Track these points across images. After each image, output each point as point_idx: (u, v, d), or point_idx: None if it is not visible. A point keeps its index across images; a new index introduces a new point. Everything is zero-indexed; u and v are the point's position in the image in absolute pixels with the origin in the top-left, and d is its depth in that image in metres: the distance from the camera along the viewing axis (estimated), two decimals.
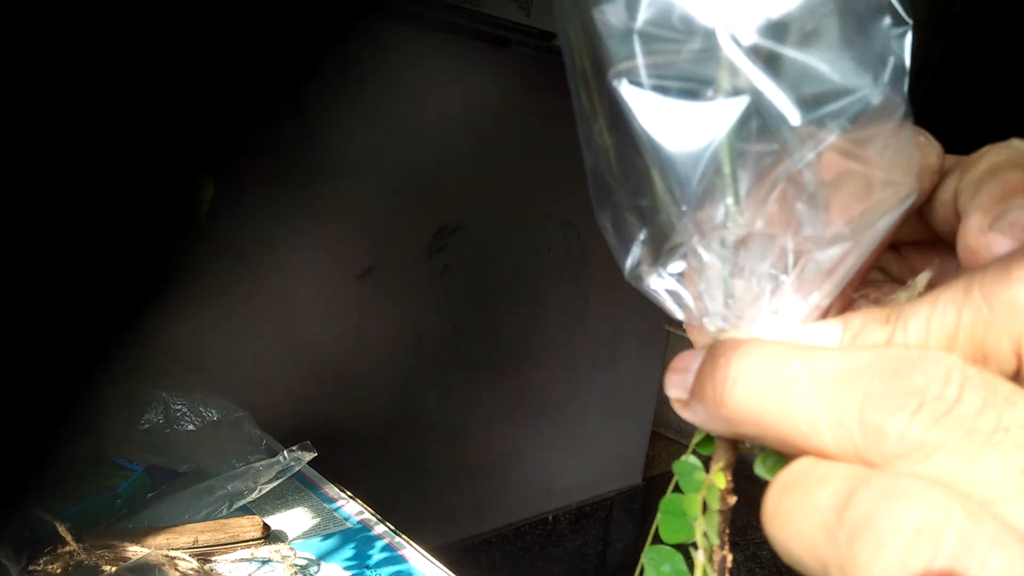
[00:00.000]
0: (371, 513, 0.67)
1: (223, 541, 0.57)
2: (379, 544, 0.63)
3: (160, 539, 0.54)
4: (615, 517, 1.74)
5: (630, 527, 1.79)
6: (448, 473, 1.42)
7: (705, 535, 0.20)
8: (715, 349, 0.18)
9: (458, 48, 1.21)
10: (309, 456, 0.65)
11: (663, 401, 1.86)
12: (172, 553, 0.53)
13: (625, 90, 0.18)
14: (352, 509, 0.67)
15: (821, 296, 0.19)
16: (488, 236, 1.38)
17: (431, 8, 1.14)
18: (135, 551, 0.51)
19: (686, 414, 0.19)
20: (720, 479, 0.20)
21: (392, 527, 0.66)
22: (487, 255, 1.39)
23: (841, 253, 0.18)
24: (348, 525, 0.65)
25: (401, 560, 0.62)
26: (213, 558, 0.56)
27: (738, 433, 0.18)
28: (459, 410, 1.42)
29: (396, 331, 1.30)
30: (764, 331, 0.19)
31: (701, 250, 0.19)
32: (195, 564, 0.53)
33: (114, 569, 0.49)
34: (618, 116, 0.18)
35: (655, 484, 1.97)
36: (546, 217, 1.46)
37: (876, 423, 0.14)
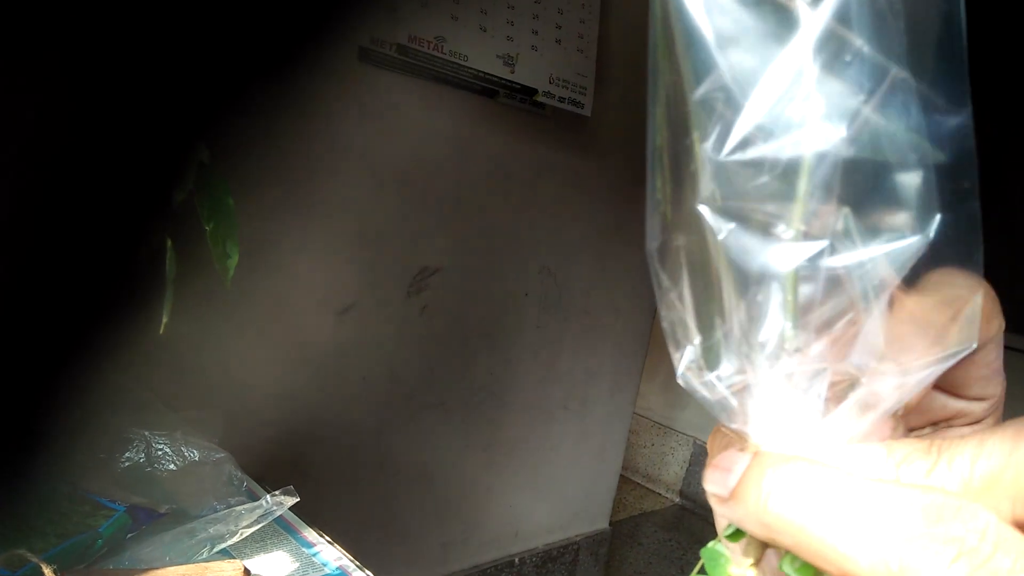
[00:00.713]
0: (350, 559, 0.68)
1: None
2: None
3: None
4: (581, 561, 1.74)
5: (595, 572, 1.80)
6: (417, 513, 1.42)
7: None
8: (764, 458, 0.19)
9: (446, 97, 1.25)
10: (291, 501, 0.65)
11: (631, 445, 1.88)
12: None
13: (705, 212, 0.19)
14: (331, 555, 0.68)
15: (866, 425, 0.20)
16: (467, 279, 1.40)
17: (420, 59, 1.18)
18: None
19: (722, 510, 0.20)
20: (752, 572, 0.21)
21: (371, 574, 0.67)
22: (465, 297, 1.41)
23: (894, 388, 0.20)
24: (326, 571, 0.66)
25: None
26: None
27: (773, 540, 0.19)
28: (430, 449, 1.42)
29: (373, 369, 1.31)
30: (808, 449, 0.20)
31: (755, 366, 0.20)
32: None
33: None
34: (691, 221, 0.20)
35: (621, 528, 1.99)
36: (525, 263, 1.49)
37: (916, 566, 0.15)
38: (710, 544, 0.23)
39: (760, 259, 0.19)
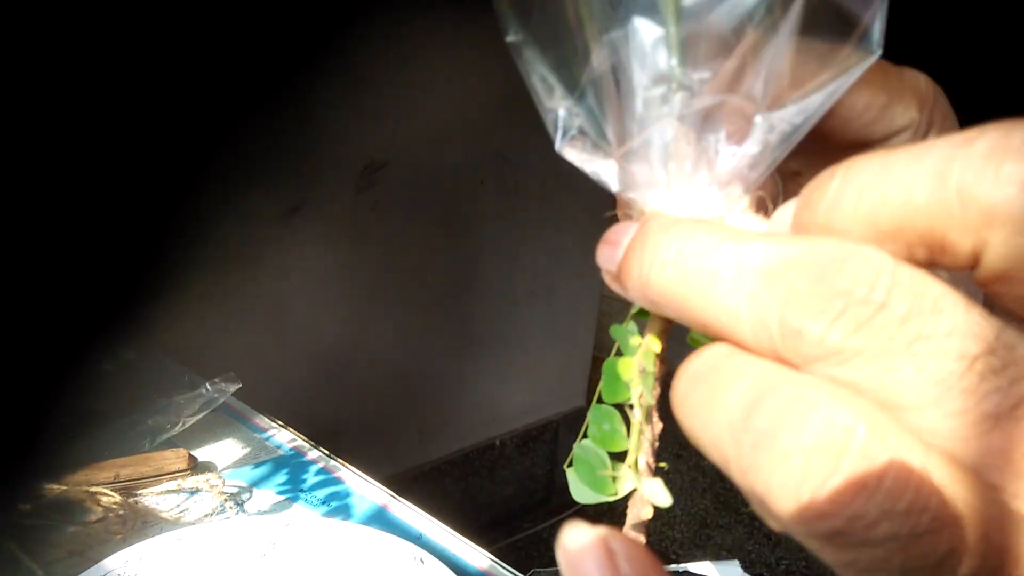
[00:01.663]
0: (304, 440, 0.67)
1: (147, 474, 0.56)
2: (313, 468, 0.63)
3: (79, 476, 0.53)
4: (561, 438, 1.78)
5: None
6: (392, 407, 1.43)
7: (641, 396, 0.20)
8: (645, 227, 0.17)
9: None
10: (233, 387, 0.64)
11: (603, 327, 1.89)
12: (93, 488, 0.52)
13: None
14: (284, 437, 0.67)
15: (762, 169, 0.18)
16: (419, 170, 1.36)
17: None
18: (52, 488, 0.50)
19: (615, 287, 0.18)
20: (655, 343, 0.19)
21: (326, 452, 0.66)
22: (419, 189, 1.37)
23: (793, 116, 0.17)
24: (280, 452, 0.65)
25: (337, 481, 0.62)
26: (137, 492, 0.56)
27: (659, 312, 0.18)
28: (400, 345, 1.42)
29: (329, 270, 1.28)
30: (702, 206, 0.18)
31: (638, 118, 0.18)
32: (118, 498, 0.52)
33: (30, 506, 0.48)
34: None
35: None
36: (478, 149, 1.44)
37: (796, 325, 0.14)
38: (621, 324, 0.21)
39: None
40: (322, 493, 0.60)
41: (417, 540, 0.55)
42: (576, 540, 0.16)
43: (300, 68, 1.15)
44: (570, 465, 0.23)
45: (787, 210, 0.17)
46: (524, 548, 1.65)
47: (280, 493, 0.60)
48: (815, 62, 0.17)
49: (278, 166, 1.17)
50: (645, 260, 0.16)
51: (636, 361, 0.21)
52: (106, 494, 0.52)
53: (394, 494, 0.61)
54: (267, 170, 1.16)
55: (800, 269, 0.14)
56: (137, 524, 0.53)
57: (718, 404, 0.14)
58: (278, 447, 0.66)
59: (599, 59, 0.18)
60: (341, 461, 0.65)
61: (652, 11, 0.17)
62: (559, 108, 0.20)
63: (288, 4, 1.10)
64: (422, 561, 0.49)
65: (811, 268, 0.14)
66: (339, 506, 0.59)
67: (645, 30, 0.17)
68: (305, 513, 0.57)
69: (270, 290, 1.21)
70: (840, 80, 0.17)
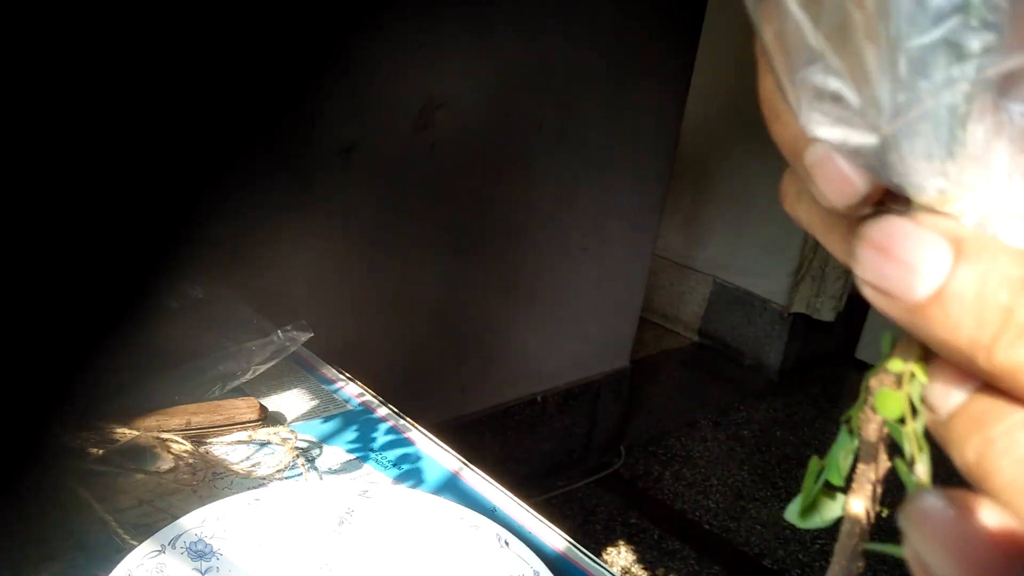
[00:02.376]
0: (372, 395, 0.64)
1: (218, 423, 0.53)
2: (383, 427, 0.61)
3: (150, 421, 0.51)
4: (602, 398, 1.75)
5: (616, 408, 1.82)
6: (438, 354, 1.41)
7: (913, 437, 0.15)
8: (974, 262, 0.12)
9: None
10: (305, 336, 0.61)
11: (650, 286, 1.85)
12: (164, 435, 0.50)
13: None
14: (352, 391, 0.64)
15: None
16: (477, 112, 1.30)
17: None
18: (123, 432, 0.47)
19: (904, 317, 0.13)
20: (921, 373, 0.15)
21: (395, 409, 0.63)
22: (476, 132, 1.31)
23: None
24: (349, 407, 0.62)
25: (407, 443, 0.59)
26: (208, 441, 0.53)
27: (999, 386, 0.13)
28: (449, 292, 1.38)
29: (383, 212, 1.25)
30: (1006, 204, 0.13)
31: (916, 84, 0.13)
32: (189, 447, 0.50)
33: (101, 452, 0.46)
34: None
35: (641, 366, 2.00)
36: (538, 93, 1.38)
37: None
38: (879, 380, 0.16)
39: None
40: (392, 454, 0.58)
41: (491, 514, 0.52)
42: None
43: (360, 5, 1.09)
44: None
45: None
46: (558, 506, 1.64)
47: (350, 451, 0.57)
48: None
49: (335, 105, 1.12)
50: (987, 324, 0.12)
51: (905, 395, 0.16)
52: (177, 441, 0.50)
53: (464, 460, 0.58)
54: (323, 109, 1.12)
55: None
56: (208, 475, 0.50)
57: None
58: (346, 401, 0.63)
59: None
60: (410, 421, 0.62)
61: None
62: (810, 65, 0.14)
63: None
64: (506, 543, 0.46)
65: None
66: (410, 470, 0.57)
67: None
68: (376, 476, 0.55)
69: (325, 231, 1.17)
70: None
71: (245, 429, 0.54)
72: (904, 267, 0.13)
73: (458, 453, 0.58)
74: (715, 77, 1.99)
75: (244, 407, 0.54)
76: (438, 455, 0.58)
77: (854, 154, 0.15)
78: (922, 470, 0.16)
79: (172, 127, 0.92)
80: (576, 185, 1.51)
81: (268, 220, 1.07)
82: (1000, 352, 0.12)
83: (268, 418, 0.56)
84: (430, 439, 0.60)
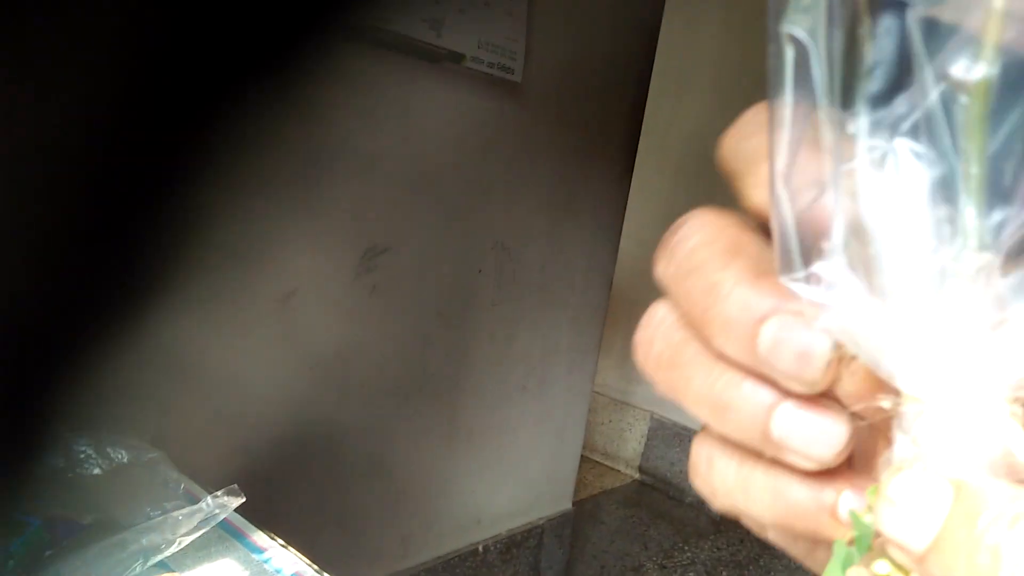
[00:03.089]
0: (307, 563, 0.60)
1: None
2: None
3: None
4: (545, 544, 1.70)
5: (560, 554, 1.76)
6: (374, 505, 1.35)
7: None
8: (972, 509, 0.13)
9: (386, 65, 1.17)
10: (236, 502, 0.58)
11: (589, 423, 1.84)
12: None
13: None
14: (284, 560, 0.61)
15: None
16: (418, 257, 1.33)
17: (360, 29, 1.09)
18: None
19: (909, 563, 0.14)
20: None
21: None
22: (417, 276, 1.34)
23: None
24: None
25: None
26: None
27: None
28: (386, 439, 1.35)
29: (320, 356, 1.23)
30: (979, 387, 0.14)
31: (907, 292, 0.14)
32: None
33: None
34: None
35: (583, 508, 1.95)
36: (478, 239, 1.42)
37: None
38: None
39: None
40: None
41: None
42: None
43: (304, 148, 1.13)
44: None
45: None
46: None
47: None
48: None
49: (277, 248, 1.13)
50: (982, 569, 0.12)
51: None
52: None
53: None
54: (265, 251, 1.13)
55: None
56: None
57: None
58: (277, 572, 0.59)
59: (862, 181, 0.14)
60: None
61: (935, 132, 0.13)
62: (821, 257, 0.15)
63: (282, 84, 1.10)
64: None
65: None
66: None
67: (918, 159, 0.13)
68: None
69: (252, 374, 1.15)
70: None
71: None
72: (915, 518, 0.14)
73: None
74: (646, 217, 2.10)
75: None
76: None
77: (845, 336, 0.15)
78: None
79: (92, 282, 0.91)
80: (516, 326, 1.54)
81: (198, 368, 1.05)
82: None
83: None
84: None
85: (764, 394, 0.16)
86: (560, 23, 1.42)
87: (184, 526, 0.55)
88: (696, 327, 0.17)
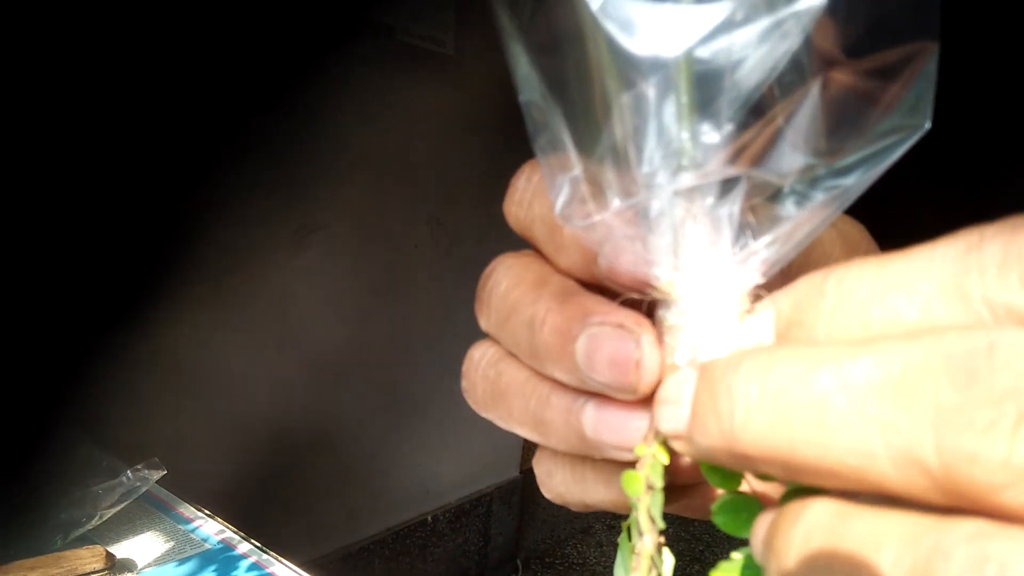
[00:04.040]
0: (233, 531, 0.62)
1: None
2: (244, 563, 0.58)
3: None
4: (494, 512, 1.73)
5: (509, 520, 1.80)
6: (320, 482, 1.36)
7: (651, 518, 0.17)
8: (710, 371, 0.14)
9: (312, 39, 1.16)
10: (157, 475, 0.59)
11: None
12: None
13: None
14: (211, 528, 0.62)
15: (785, 251, 0.16)
16: (352, 235, 1.33)
17: None
18: None
19: (687, 450, 0.15)
20: (662, 452, 0.17)
21: (258, 544, 0.61)
22: (352, 253, 1.34)
23: (829, 195, 0.16)
24: (207, 546, 0.60)
25: None
26: None
27: (757, 470, 0.14)
28: (328, 415, 1.36)
29: (259, 334, 1.23)
30: (720, 284, 0.16)
31: (647, 191, 0.16)
32: None
33: None
34: (561, 20, 0.15)
35: (531, 475, 1.99)
36: (412, 214, 1.43)
37: (968, 449, 0.10)
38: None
39: (643, 38, 0.14)
40: None
41: None
42: None
43: (237, 130, 1.12)
44: None
45: (760, 321, 0.16)
46: None
47: None
48: (854, 130, 0.15)
49: (210, 228, 1.13)
50: (723, 410, 0.13)
51: (643, 474, 0.18)
52: None
53: None
54: (199, 230, 1.12)
55: (939, 375, 0.11)
56: None
57: None
58: (204, 540, 0.60)
59: (616, 123, 0.16)
60: (275, 555, 0.60)
61: (667, 72, 0.15)
62: (568, 172, 0.17)
63: (231, 70, 1.08)
64: None
65: (951, 372, 0.11)
66: None
67: (659, 91, 0.15)
68: None
69: (195, 358, 1.14)
70: (885, 149, 0.15)
71: None
72: (678, 404, 0.15)
73: None
74: None
75: (88, 556, 0.52)
76: None
77: (599, 247, 0.18)
78: (649, 541, 0.18)
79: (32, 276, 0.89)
80: (456, 300, 1.55)
81: (136, 351, 1.04)
82: (740, 430, 0.14)
83: (116, 566, 0.53)
84: (296, 572, 0.58)
85: (568, 401, 0.18)
86: None
87: (105, 500, 0.56)
88: (527, 361, 0.19)
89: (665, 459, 0.18)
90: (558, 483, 0.21)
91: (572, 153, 0.17)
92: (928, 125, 0.15)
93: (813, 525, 0.13)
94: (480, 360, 0.21)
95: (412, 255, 1.46)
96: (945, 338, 0.11)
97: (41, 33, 0.85)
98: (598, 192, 0.17)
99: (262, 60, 1.12)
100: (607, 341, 0.17)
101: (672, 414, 0.16)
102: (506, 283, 0.19)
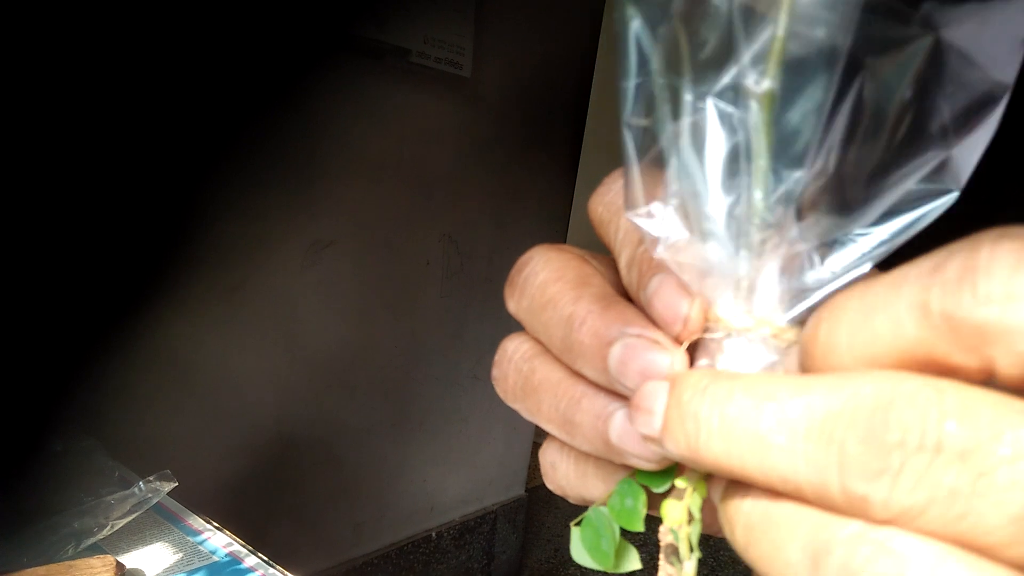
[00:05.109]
0: (241, 544, 0.62)
1: None
2: None
3: None
4: (499, 530, 1.73)
5: (513, 539, 1.79)
6: (326, 495, 1.37)
7: (691, 546, 0.19)
8: (678, 392, 0.16)
9: (329, 61, 1.18)
10: (169, 486, 0.60)
11: None
12: None
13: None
14: (219, 541, 0.63)
15: (814, 299, 0.18)
16: (364, 251, 1.34)
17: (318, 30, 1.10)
18: None
19: (657, 449, 0.18)
20: (702, 488, 0.19)
21: (265, 558, 0.62)
22: (364, 269, 1.35)
23: (869, 245, 0.17)
24: (215, 559, 0.60)
25: None
26: None
27: (716, 473, 0.17)
28: (337, 430, 1.37)
29: (269, 348, 1.24)
30: (763, 321, 0.18)
31: (710, 238, 0.18)
32: None
33: None
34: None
35: (537, 494, 1.99)
36: (425, 231, 1.44)
37: (859, 492, 0.13)
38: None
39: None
40: None
41: None
42: None
43: (248, 135, 1.14)
44: (578, 524, 0.22)
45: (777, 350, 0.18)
46: None
47: None
48: (884, 193, 0.16)
49: (222, 244, 1.14)
50: (689, 431, 0.16)
51: (685, 506, 0.19)
52: None
53: None
54: (211, 247, 1.13)
55: (847, 426, 0.13)
56: None
57: (780, 560, 0.14)
58: (213, 552, 0.61)
59: (685, 128, 0.18)
60: (280, 568, 0.61)
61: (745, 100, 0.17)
62: (661, 193, 0.19)
63: (242, 83, 1.10)
64: None
65: (857, 423, 0.13)
66: None
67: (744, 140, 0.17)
68: None
69: (204, 369, 1.15)
70: (916, 213, 0.17)
71: None
72: (651, 414, 0.17)
73: None
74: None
75: (99, 566, 0.53)
76: None
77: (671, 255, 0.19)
78: (690, 567, 0.19)
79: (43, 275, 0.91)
80: (465, 316, 1.56)
81: (147, 360, 1.05)
82: (703, 450, 0.16)
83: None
84: None
85: (599, 407, 0.19)
86: (508, 18, 1.45)
87: (117, 510, 0.57)
88: (556, 353, 0.20)
89: (705, 493, 0.19)
90: (560, 476, 0.22)
91: (673, 179, 0.18)
92: (957, 194, 0.16)
93: (754, 504, 0.15)
94: (514, 353, 0.22)
95: (424, 272, 1.47)
96: (861, 389, 0.13)
97: (48, 36, 0.87)
98: (682, 217, 0.18)
99: (277, 72, 1.14)
100: (642, 352, 0.18)
101: (647, 421, 0.17)
102: (544, 275, 0.20)
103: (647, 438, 0.17)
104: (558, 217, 1.75)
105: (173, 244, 1.08)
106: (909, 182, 0.16)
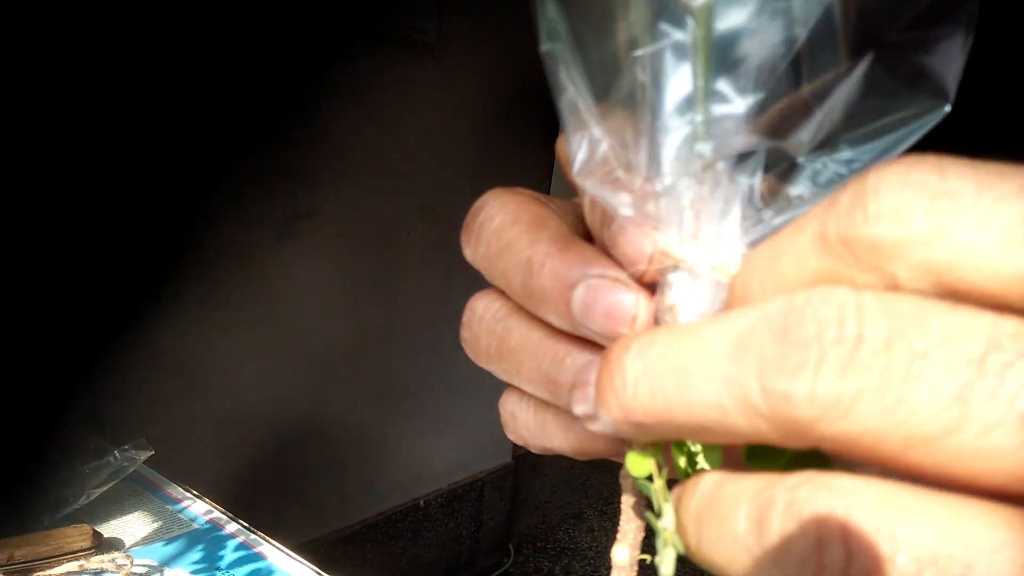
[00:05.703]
0: (221, 511, 0.62)
1: (44, 555, 0.50)
2: (232, 543, 0.59)
3: None
4: (486, 497, 1.74)
5: (501, 506, 1.80)
6: (313, 467, 1.37)
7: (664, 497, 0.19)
8: (607, 355, 0.16)
9: (300, 30, 1.15)
10: (144, 455, 0.59)
11: None
12: None
13: None
14: (199, 509, 0.62)
15: (790, 218, 0.17)
16: (343, 220, 1.33)
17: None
18: None
19: (598, 428, 0.17)
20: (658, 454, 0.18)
21: (246, 524, 0.61)
22: (343, 240, 1.34)
23: (843, 162, 0.16)
24: (195, 526, 0.60)
25: (258, 558, 0.58)
26: (34, 574, 0.50)
27: (656, 436, 0.16)
28: (323, 402, 1.36)
29: (250, 321, 1.23)
30: (726, 255, 0.17)
31: (661, 155, 0.16)
32: None
33: None
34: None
35: (524, 461, 2.00)
36: (404, 201, 1.43)
37: (780, 390, 0.12)
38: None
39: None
40: (242, 572, 0.56)
41: None
42: None
43: (226, 121, 1.12)
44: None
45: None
46: None
47: (195, 572, 0.55)
48: (875, 108, 0.16)
49: (207, 209, 1.12)
50: (617, 387, 0.15)
51: (651, 458, 0.19)
52: None
53: (320, 571, 0.57)
54: (195, 212, 1.12)
55: (762, 332, 0.13)
56: None
57: (730, 537, 0.14)
58: (192, 520, 0.61)
59: (631, 77, 0.16)
60: (263, 535, 0.60)
61: (687, 32, 0.15)
62: (586, 132, 0.17)
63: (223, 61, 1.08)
64: None
65: (772, 326, 0.13)
66: None
67: (677, 52, 0.15)
68: None
69: (185, 346, 1.14)
70: (906, 129, 0.16)
71: (76, 559, 0.52)
72: (586, 386, 0.17)
73: (340, 568, 0.57)
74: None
75: (75, 535, 0.52)
76: (291, 567, 0.57)
77: (614, 208, 0.18)
78: (668, 520, 0.19)
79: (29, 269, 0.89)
80: (447, 286, 1.55)
81: (131, 338, 1.04)
82: (630, 402, 0.15)
83: (103, 545, 0.54)
84: (284, 552, 0.59)
85: (582, 365, 0.18)
86: None
87: (93, 480, 0.56)
88: (517, 300, 0.19)
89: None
90: (520, 425, 0.21)
91: (592, 112, 0.17)
92: (948, 108, 0.15)
93: (701, 493, 0.15)
94: (484, 313, 0.21)
95: (404, 242, 1.46)
96: (774, 302, 0.13)
97: (45, 35, 0.85)
98: (616, 154, 0.17)
99: (248, 52, 1.11)
100: (606, 292, 0.17)
101: (584, 395, 0.17)
102: (500, 218, 0.20)
103: (586, 419, 0.17)
104: (538, 187, 1.74)
105: (150, 219, 1.06)
106: (884, 101, 0.16)
